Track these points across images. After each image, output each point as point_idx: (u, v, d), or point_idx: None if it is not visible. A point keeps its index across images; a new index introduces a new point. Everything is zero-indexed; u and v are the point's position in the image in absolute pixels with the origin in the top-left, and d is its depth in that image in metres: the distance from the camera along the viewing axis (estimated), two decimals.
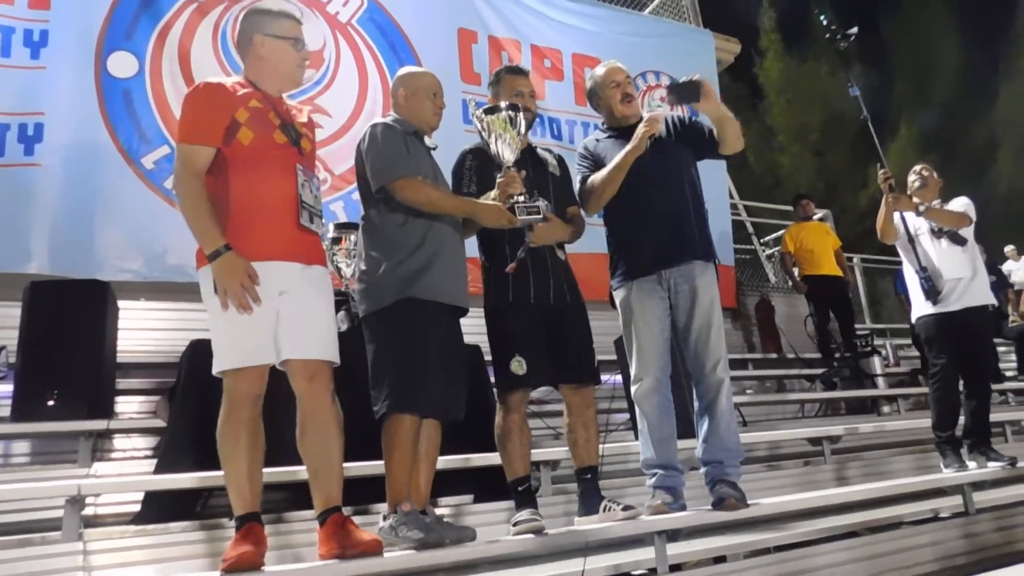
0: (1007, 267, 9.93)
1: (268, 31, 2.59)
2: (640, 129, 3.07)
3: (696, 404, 3.16)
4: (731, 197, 9.17)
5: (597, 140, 3.38)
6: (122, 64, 5.36)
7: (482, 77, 6.47)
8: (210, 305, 2.41)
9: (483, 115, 2.83)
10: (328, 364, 2.49)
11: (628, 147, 3.08)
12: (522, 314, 2.94)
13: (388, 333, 2.67)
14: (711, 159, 3.36)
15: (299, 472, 2.68)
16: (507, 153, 2.81)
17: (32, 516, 3.24)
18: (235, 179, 2.44)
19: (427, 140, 2.99)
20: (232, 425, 2.36)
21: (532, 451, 3.04)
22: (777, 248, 9.97)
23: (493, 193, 2.82)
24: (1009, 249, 9.97)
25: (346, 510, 2.47)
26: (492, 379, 3.88)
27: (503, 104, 2.84)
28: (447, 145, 3.07)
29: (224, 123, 2.45)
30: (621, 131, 3.28)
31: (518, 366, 2.86)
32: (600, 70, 3.40)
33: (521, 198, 2.77)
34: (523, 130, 2.85)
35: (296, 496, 3.29)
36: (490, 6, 7.14)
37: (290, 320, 2.41)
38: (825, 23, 4.33)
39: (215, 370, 2.40)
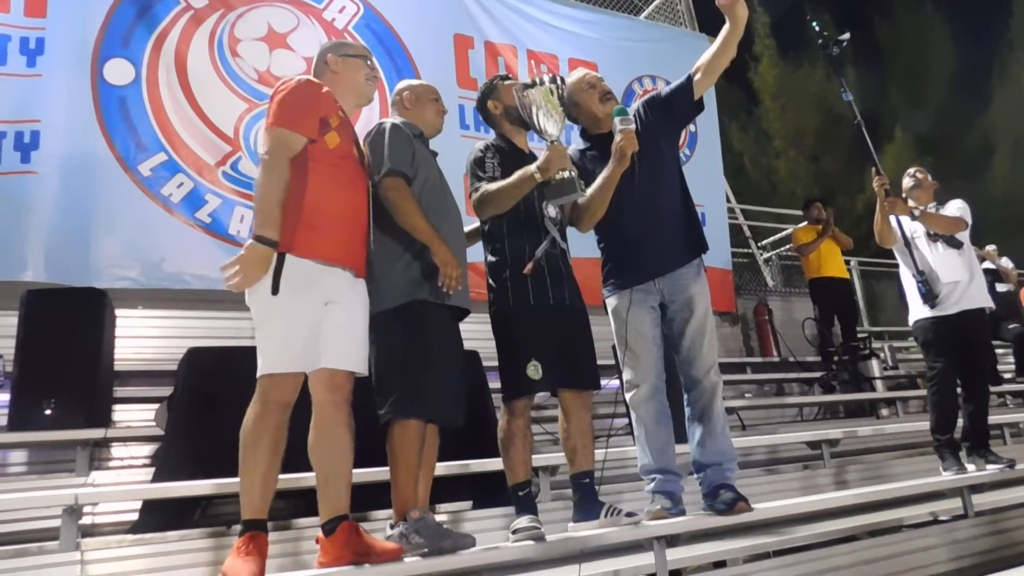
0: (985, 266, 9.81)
1: (340, 52, 2.83)
2: (621, 145, 2.93)
3: (689, 410, 3.14)
4: (728, 201, 9.19)
5: (581, 153, 3.25)
6: (118, 71, 5.36)
7: (478, 82, 6.47)
8: (258, 304, 2.44)
9: (523, 89, 2.82)
10: (353, 375, 2.51)
11: (612, 165, 2.97)
12: (541, 317, 2.92)
13: (396, 336, 2.65)
14: (693, 115, 3.25)
15: (303, 479, 2.68)
16: (550, 127, 2.81)
17: (29, 526, 3.22)
18: (314, 178, 2.51)
19: (430, 145, 3.01)
20: (258, 428, 2.38)
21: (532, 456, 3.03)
22: (775, 252, 10.03)
23: (536, 164, 2.81)
24: (991, 249, 9.81)
25: None
26: (491, 384, 3.90)
27: (545, 77, 2.83)
28: (443, 150, 3.07)
29: (320, 119, 2.57)
30: (601, 140, 3.15)
31: (534, 370, 2.83)
32: (571, 78, 3.27)
33: (566, 173, 2.78)
34: (565, 103, 2.84)
35: (297, 504, 3.29)
36: (486, 12, 7.15)
37: (333, 330, 2.46)
38: (817, 29, 4.32)
39: (259, 373, 2.42)
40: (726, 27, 3.01)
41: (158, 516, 3.21)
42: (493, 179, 2.96)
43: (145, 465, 4.14)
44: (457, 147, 3.23)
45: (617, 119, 2.96)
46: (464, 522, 3.37)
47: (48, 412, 3.83)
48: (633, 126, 2.98)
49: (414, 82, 3.16)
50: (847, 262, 9.13)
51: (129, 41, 5.44)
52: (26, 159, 4.93)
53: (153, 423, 4.15)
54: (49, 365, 3.88)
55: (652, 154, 3.13)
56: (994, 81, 29.73)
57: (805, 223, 8.17)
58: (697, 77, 3.11)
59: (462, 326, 2.92)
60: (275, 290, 2.38)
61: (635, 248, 3.13)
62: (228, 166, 5.49)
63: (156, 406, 4.20)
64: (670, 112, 3.21)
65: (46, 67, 5.12)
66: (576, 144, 3.34)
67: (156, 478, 3.37)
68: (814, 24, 4.37)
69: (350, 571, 2.30)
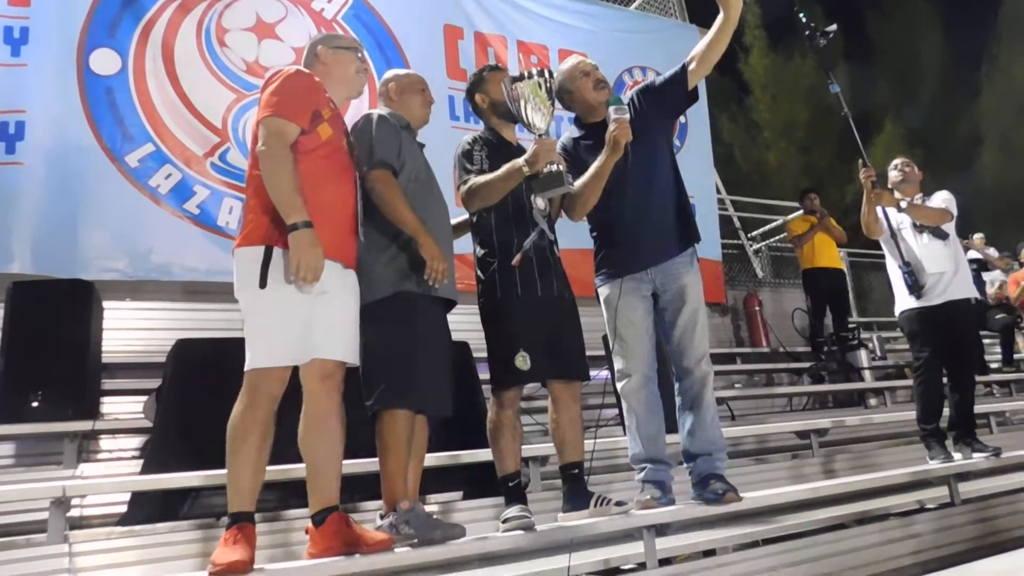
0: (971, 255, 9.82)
1: (331, 44, 2.82)
2: (615, 135, 2.92)
3: (679, 399, 3.15)
4: (718, 192, 9.21)
5: (575, 141, 3.25)
6: (105, 61, 5.31)
7: (468, 73, 6.44)
8: (248, 298, 2.42)
9: (511, 83, 2.81)
10: (343, 365, 2.51)
11: (605, 154, 2.96)
12: (529, 308, 2.92)
13: (382, 327, 2.64)
14: (687, 104, 3.23)
15: (293, 471, 2.67)
16: (538, 120, 2.81)
17: (17, 518, 3.22)
18: (304, 170, 2.48)
19: (419, 136, 2.99)
20: (247, 422, 2.36)
21: (522, 447, 3.04)
22: (764, 243, 10.07)
23: (524, 158, 2.80)
24: (978, 237, 9.80)
25: None
26: (481, 375, 3.90)
27: (534, 70, 2.82)
28: (434, 141, 3.06)
29: (312, 111, 2.55)
30: (595, 128, 3.15)
31: (523, 361, 2.83)
32: (565, 65, 3.28)
33: (554, 167, 2.78)
34: (553, 97, 2.83)
35: (287, 495, 3.28)
36: (476, 2, 7.13)
37: (325, 321, 2.45)
38: (804, 21, 4.30)
39: (248, 367, 2.39)
40: (720, 17, 3.00)
41: (147, 508, 3.20)
42: (481, 172, 2.95)
43: (133, 457, 4.13)
44: (447, 138, 3.23)
45: (611, 108, 2.95)
46: (454, 512, 3.37)
47: (35, 404, 3.82)
48: (627, 116, 2.97)
49: (400, 72, 3.13)
50: None
51: (115, 31, 5.40)
52: (11, 150, 4.89)
53: (141, 415, 4.14)
54: (36, 357, 3.86)
55: (646, 143, 3.12)
56: (983, 73, 29.81)
57: (800, 213, 8.20)
58: (691, 67, 3.09)
59: (452, 317, 2.91)
60: (263, 283, 2.37)
61: (628, 237, 3.13)
62: (216, 157, 5.46)
63: (144, 398, 4.19)
64: (664, 101, 3.19)
65: (31, 57, 5.07)
66: (570, 132, 3.33)
67: (144, 470, 3.36)
68: (801, 15, 4.35)
69: (340, 561, 2.30)
